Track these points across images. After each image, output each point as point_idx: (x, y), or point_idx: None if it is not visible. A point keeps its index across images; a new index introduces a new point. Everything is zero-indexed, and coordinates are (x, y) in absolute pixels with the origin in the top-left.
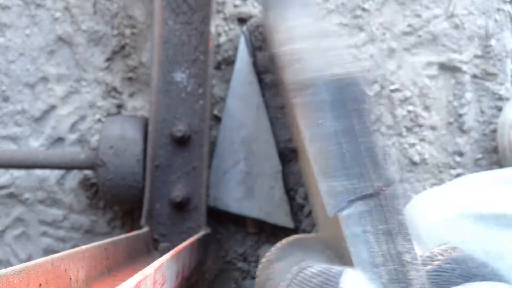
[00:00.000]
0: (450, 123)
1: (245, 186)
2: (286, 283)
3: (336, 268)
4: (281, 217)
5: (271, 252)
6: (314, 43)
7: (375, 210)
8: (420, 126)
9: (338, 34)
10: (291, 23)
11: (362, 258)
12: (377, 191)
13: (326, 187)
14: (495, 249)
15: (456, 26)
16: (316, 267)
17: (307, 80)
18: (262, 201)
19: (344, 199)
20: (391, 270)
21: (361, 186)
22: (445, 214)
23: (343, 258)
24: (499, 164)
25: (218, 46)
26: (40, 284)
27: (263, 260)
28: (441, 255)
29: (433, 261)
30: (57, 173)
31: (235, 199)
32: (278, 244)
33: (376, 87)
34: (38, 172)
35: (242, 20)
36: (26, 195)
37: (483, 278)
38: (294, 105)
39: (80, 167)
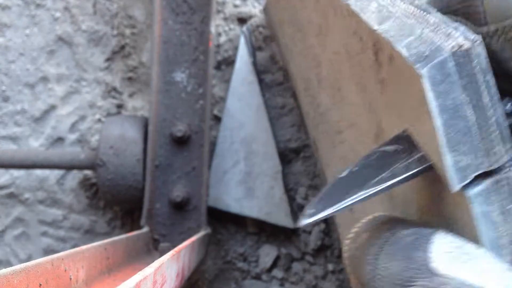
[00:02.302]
0: None
1: (245, 186)
2: (376, 247)
3: (430, 228)
4: (281, 217)
5: (356, 227)
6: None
7: (505, 189)
8: None
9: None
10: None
11: (488, 238)
12: (503, 168)
13: (451, 161)
14: None
15: None
16: (408, 229)
17: (430, 53)
18: (262, 201)
19: (469, 174)
20: (509, 253)
21: (487, 161)
22: None
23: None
24: None
25: (218, 46)
26: (40, 284)
27: (350, 235)
28: None
29: None
30: (57, 173)
31: (235, 199)
32: (364, 220)
33: None
34: (38, 172)
35: (242, 20)
36: (26, 195)
37: None
38: (415, 76)
39: (80, 167)
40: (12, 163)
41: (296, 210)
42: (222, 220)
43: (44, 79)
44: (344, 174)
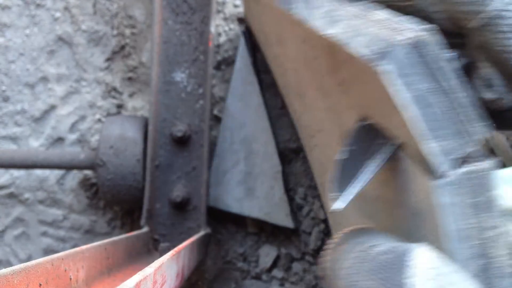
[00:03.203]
0: None
1: (245, 186)
2: (350, 262)
3: (405, 245)
4: (281, 217)
5: (336, 237)
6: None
7: (476, 181)
8: None
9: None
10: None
11: (448, 230)
12: (475, 160)
13: (435, 148)
14: None
15: None
16: (383, 245)
17: (384, 49)
18: (262, 201)
19: (446, 159)
20: (473, 246)
21: (460, 142)
22: None
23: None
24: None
25: (218, 46)
26: (40, 284)
27: (330, 246)
28: None
29: None
30: (57, 173)
31: (235, 199)
32: (342, 231)
33: None
34: (38, 172)
35: (242, 20)
36: (26, 195)
37: None
38: (374, 74)
39: (80, 167)
40: (12, 163)
41: (296, 210)
42: (222, 220)
43: (44, 79)
44: (342, 155)
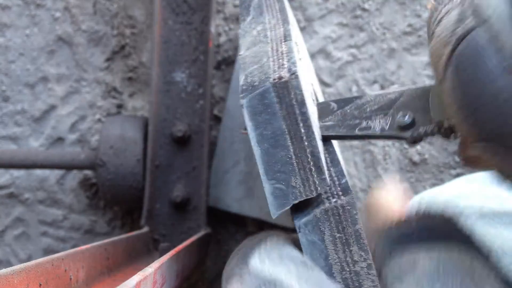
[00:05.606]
0: None
1: (246, 186)
2: (229, 267)
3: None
4: (282, 217)
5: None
6: (254, 51)
7: (333, 219)
8: None
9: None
10: (243, 31)
11: (320, 266)
12: (321, 197)
13: (270, 188)
14: (498, 246)
15: None
16: (246, 250)
17: (260, 82)
18: (263, 201)
19: (287, 202)
20: (346, 279)
21: (304, 190)
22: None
23: None
24: None
25: (218, 46)
26: (40, 284)
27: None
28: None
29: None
30: (57, 173)
31: (235, 199)
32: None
33: (376, 87)
34: (38, 172)
35: None
36: (26, 195)
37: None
38: (242, 107)
39: (80, 167)
40: (12, 163)
41: None
42: (222, 220)
43: (44, 79)
44: None
